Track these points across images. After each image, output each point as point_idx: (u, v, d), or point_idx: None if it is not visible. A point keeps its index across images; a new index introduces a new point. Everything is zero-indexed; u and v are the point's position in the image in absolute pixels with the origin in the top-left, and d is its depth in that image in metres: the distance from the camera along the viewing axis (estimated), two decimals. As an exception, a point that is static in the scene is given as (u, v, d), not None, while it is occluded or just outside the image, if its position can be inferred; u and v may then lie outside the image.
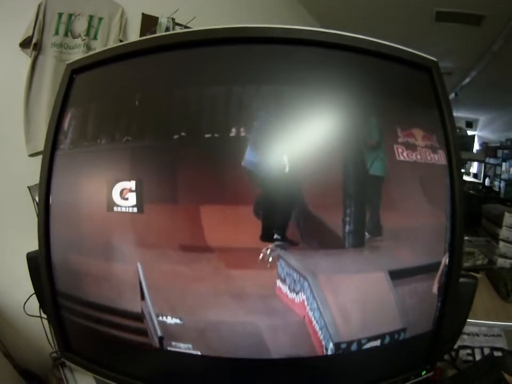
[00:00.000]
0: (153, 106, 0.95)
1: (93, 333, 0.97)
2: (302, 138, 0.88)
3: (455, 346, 1.65)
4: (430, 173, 0.91)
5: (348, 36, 0.96)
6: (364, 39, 0.94)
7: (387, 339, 0.84)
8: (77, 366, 1.05)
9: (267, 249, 0.80)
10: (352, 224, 0.81)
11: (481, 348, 1.77)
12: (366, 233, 0.83)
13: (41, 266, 1.02)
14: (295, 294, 0.78)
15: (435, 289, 0.89)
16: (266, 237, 0.81)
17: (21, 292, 1.64)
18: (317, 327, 0.78)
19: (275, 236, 0.81)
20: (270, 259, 0.79)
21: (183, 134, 0.89)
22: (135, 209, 0.89)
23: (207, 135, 0.88)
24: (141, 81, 0.99)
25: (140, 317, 0.87)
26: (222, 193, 0.86)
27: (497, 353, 1.75)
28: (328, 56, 0.95)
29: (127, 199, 0.89)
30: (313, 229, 0.81)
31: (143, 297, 0.87)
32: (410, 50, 0.97)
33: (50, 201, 1.00)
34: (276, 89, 0.89)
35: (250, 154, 0.82)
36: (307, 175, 0.83)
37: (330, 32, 0.95)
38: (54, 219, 1.00)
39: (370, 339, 0.82)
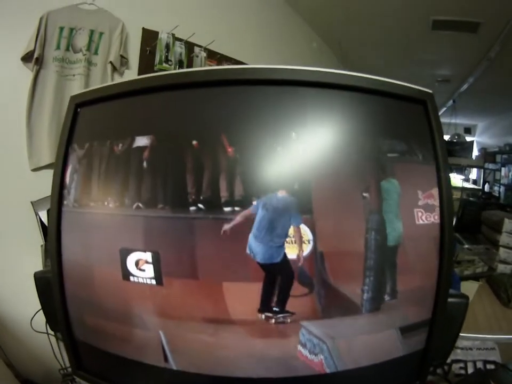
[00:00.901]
0: (163, 170, 0.94)
1: (106, 354, 0.99)
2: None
3: (448, 361, 1.67)
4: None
5: (337, 74, 0.92)
6: (354, 76, 0.92)
7: None
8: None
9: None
10: (371, 292, 0.86)
11: (474, 362, 1.77)
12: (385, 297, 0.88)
13: (55, 297, 1.02)
14: (314, 356, 0.83)
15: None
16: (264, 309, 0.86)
17: (25, 305, 1.65)
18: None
19: (274, 308, 0.86)
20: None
21: (200, 206, 0.87)
22: (154, 281, 0.88)
23: (226, 209, 0.86)
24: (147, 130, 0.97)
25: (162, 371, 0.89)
26: (242, 269, 0.88)
27: (490, 366, 1.75)
28: (330, 98, 0.94)
29: (143, 270, 0.87)
30: (332, 299, 0.86)
31: (166, 359, 0.88)
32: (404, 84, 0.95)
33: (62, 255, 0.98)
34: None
35: (253, 243, 0.85)
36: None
37: (324, 71, 0.92)
38: (67, 276, 1.00)
39: None
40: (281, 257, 0.86)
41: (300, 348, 0.84)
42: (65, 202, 0.99)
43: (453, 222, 0.92)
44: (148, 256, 0.87)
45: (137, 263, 0.88)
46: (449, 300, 0.96)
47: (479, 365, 1.77)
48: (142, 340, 0.92)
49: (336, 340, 0.85)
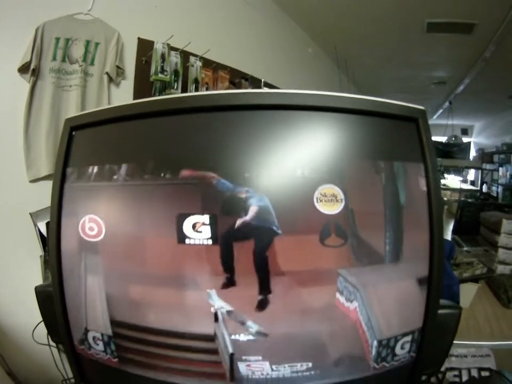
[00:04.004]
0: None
1: (108, 365, 0.99)
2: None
3: (442, 369, 1.66)
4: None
5: (327, 96, 0.92)
6: (345, 97, 0.92)
7: (416, 335, 0.94)
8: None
9: None
10: (392, 244, 0.91)
11: (469, 369, 1.77)
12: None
13: (56, 306, 1.02)
14: (350, 303, 0.88)
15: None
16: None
17: (26, 316, 1.65)
18: (365, 328, 0.89)
19: None
20: None
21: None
22: (210, 241, 0.90)
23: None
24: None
25: (212, 338, 0.89)
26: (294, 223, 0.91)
27: (485, 374, 1.75)
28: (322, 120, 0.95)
29: (200, 232, 0.89)
30: (362, 249, 0.91)
31: (216, 319, 0.89)
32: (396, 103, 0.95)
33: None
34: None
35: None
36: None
37: (313, 94, 0.92)
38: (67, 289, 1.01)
39: (404, 335, 0.93)
40: None
41: (337, 295, 0.88)
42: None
43: (442, 237, 0.93)
44: (205, 218, 0.91)
45: (194, 226, 0.90)
46: (440, 311, 0.97)
47: (474, 372, 1.76)
48: (192, 304, 0.93)
49: (367, 287, 0.90)
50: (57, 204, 1.02)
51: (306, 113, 0.92)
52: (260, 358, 0.88)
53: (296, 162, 0.92)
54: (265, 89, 0.91)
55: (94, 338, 0.99)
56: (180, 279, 0.92)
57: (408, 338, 0.93)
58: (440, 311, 0.96)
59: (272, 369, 0.87)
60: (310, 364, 0.88)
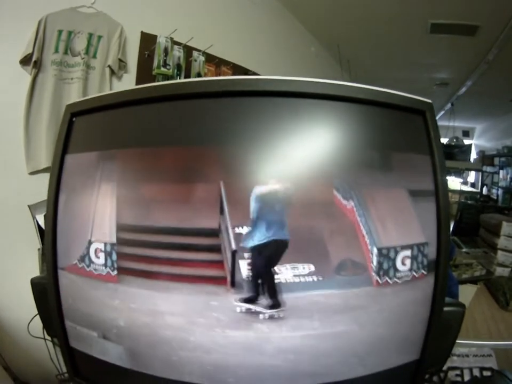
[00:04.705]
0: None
1: (99, 360, 0.98)
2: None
3: (444, 368, 1.66)
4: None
5: (335, 84, 0.91)
6: (353, 87, 0.91)
7: (415, 250, 0.91)
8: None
9: None
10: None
11: (470, 369, 1.77)
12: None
13: (49, 296, 1.02)
14: (346, 201, 0.88)
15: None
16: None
17: (23, 308, 1.64)
18: (364, 232, 0.88)
19: None
20: None
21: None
22: None
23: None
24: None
25: (216, 233, 0.89)
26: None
27: (487, 373, 1.76)
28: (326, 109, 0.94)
29: None
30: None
31: (222, 211, 0.88)
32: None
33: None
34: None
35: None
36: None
37: (321, 83, 0.90)
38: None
39: (403, 247, 0.91)
40: None
41: (335, 192, 0.88)
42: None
43: (449, 231, 0.92)
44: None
45: None
46: (445, 308, 0.96)
47: (476, 372, 1.77)
48: (201, 197, 0.92)
49: (361, 188, 0.90)
50: (54, 192, 1.01)
51: (313, 101, 0.91)
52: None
53: (302, 152, 0.91)
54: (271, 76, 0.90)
55: (96, 251, 0.95)
56: (188, 172, 0.92)
57: (408, 252, 0.90)
58: (444, 308, 0.95)
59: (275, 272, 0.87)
60: (312, 267, 0.86)
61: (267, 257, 0.89)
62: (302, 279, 0.86)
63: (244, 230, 0.86)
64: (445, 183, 0.93)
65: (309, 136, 0.92)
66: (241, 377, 0.86)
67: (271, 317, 0.86)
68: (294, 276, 0.85)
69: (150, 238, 0.92)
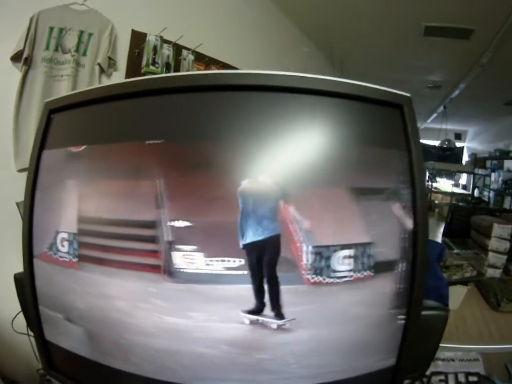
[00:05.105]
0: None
1: (75, 355, 1.00)
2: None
3: (428, 373, 1.63)
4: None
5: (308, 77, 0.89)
6: (327, 80, 0.89)
7: (358, 250, 0.89)
8: (61, 384, 1.07)
9: None
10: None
11: (456, 374, 1.71)
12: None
13: (25, 286, 1.05)
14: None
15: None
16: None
17: (8, 307, 1.63)
18: (296, 230, 0.87)
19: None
20: None
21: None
22: None
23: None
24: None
25: (153, 225, 0.91)
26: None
27: (473, 378, 1.71)
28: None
29: None
30: None
31: (159, 206, 0.90)
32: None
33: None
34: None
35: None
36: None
37: (292, 76, 0.89)
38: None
39: (343, 247, 0.88)
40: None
41: None
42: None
43: (427, 229, 0.89)
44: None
45: None
46: (425, 312, 0.92)
47: (461, 377, 1.72)
48: (143, 192, 0.95)
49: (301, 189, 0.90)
50: (31, 187, 1.05)
51: (287, 95, 0.90)
52: (195, 248, 0.89)
53: (273, 146, 0.90)
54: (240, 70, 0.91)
55: (61, 240, 1.00)
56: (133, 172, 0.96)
57: (347, 252, 0.88)
58: (425, 313, 0.92)
59: (206, 263, 0.88)
60: (242, 261, 0.87)
61: (265, 256, 0.90)
62: (232, 272, 0.87)
63: (181, 223, 0.89)
64: (423, 181, 0.90)
65: (268, 131, 0.90)
66: (178, 362, 0.90)
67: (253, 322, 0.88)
68: (224, 268, 0.87)
69: (103, 229, 0.97)
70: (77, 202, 0.99)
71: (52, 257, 1.02)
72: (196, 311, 0.89)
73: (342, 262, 0.87)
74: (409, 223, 0.88)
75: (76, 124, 1.07)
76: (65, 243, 1.00)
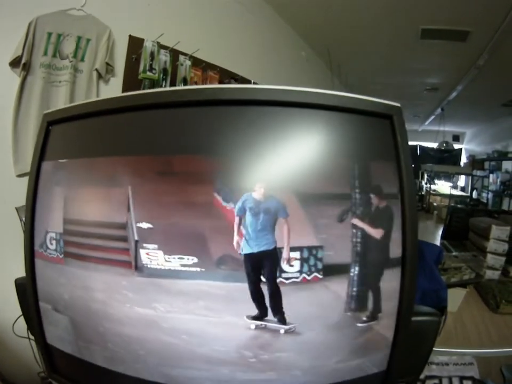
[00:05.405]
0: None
1: (76, 359, 1.06)
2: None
3: (422, 377, 1.64)
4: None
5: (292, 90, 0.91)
6: (315, 93, 0.90)
7: (305, 253, 0.94)
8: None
9: None
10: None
11: (450, 378, 1.71)
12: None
13: (28, 291, 1.09)
14: (227, 203, 0.94)
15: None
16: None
17: (9, 310, 1.64)
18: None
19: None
20: None
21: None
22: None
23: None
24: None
25: (124, 226, 1.02)
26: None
27: (467, 383, 1.71)
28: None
29: None
30: None
31: (128, 209, 1.00)
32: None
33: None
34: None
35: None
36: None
37: (282, 89, 0.90)
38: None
39: (292, 249, 0.94)
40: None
41: (215, 194, 0.94)
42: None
43: (416, 238, 0.89)
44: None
45: None
46: (417, 318, 0.93)
47: (455, 381, 1.72)
48: (113, 199, 1.05)
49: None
50: (32, 195, 1.11)
51: (280, 109, 0.92)
52: (156, 246, 0.98)
53: (262, 159, 0.94)
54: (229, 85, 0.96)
55: (50, 239, 1.10)
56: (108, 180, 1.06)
57: (295, 254, 0.93)
58: (417, 318, 0.93)
59: (165, 260, 0.97)
60: (196, 259, 0.95)
61: (263, 266, 0.95)
62: (188, 269, 0.95)
63: (144, 225, 1.00)
64: (412, 190, 0.91)
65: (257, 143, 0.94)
66: (147, 350, 0.98)
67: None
68: (181, 265, 0.96)
69: (84, 229, 1.08)
70: (63, 206, 1.09)
71: (43, 254, 1.12)
72: (160, 303, 0.97)
73: (290, 264, 0.93)
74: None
75: (69, 136, 1.13)
76: (53, 241, 1.10)
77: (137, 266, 1.00)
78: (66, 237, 1.08)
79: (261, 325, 0.93)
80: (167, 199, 0.99)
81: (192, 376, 0.96)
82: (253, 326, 0.93)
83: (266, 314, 0.93)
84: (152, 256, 0.98)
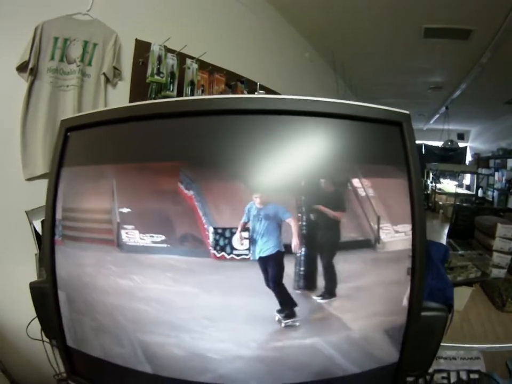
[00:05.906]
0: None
1: (95, 359, 1.12)
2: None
3: (430, 370, 1.67)
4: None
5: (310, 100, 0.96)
6: (329, 102, 0.95)
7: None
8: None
9: None
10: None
11: (458, 371, 1.76)
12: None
13: (49, 298, 1.16)
14: (187, 191, 1.08)
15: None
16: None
17: (21, 312, 1.67)
18: (201, 214, 1.08)
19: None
20: None
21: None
22: None
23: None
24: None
25: (109, 211, 1.16)
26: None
27: (474, 376, 1.75)
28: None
29: None
30: None
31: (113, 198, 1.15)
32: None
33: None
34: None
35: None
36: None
37: (294, 99, 0.95)
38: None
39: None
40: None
41: (179, 183, 1.08)
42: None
43: (425, 238, 0.94)
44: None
45: None
46: (426, 313, 0.98)
47: (463, 374, 1.76)
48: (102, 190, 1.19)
49: (200, 182, 1.10)
50: (51, 202, 1.19)
51: (291, 118, 0.97)
52: (133, 227, 1.11)
53: (279, 167, 1.02)
54: (244, 95, 1.02)
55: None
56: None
57: (245, 234, 1.05)
58: (425, 313, 0.97)
59: (140, 238, 1.11)
60: (163, 236, 1.09)
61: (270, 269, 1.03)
62: (157, 245, 1.09)
63: (124, 209, 1.15)
64: (421, 194, 0.95)
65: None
66: (126, 317, 1.11)
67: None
68: (152, 242, 1.09)
69: (78, 215, 1.23)
70: (62, 197, 1.23)
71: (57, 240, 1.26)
72: (136, 274, 1.11)
73: (241, 242, 1.05)
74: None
75: (94, 143, 1.20)
76: (59, 226, 1.23)
77: (119, 244, 1.14)
78: (65, 222, 1.22)
79: (293, 322, 1.00)
80: (142, 188, 1.14)
81: (163, 342, 1.07)
82: (282, 324, 1.00)
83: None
84: (130, 235, 1.13)
